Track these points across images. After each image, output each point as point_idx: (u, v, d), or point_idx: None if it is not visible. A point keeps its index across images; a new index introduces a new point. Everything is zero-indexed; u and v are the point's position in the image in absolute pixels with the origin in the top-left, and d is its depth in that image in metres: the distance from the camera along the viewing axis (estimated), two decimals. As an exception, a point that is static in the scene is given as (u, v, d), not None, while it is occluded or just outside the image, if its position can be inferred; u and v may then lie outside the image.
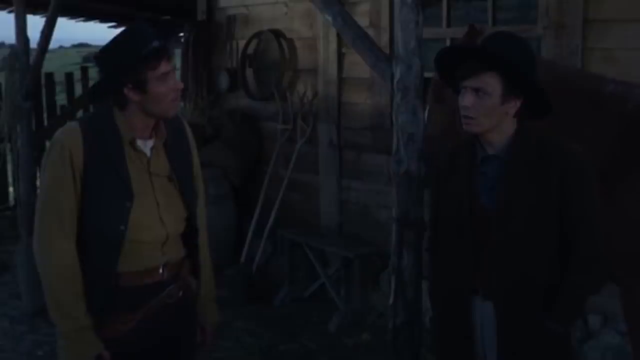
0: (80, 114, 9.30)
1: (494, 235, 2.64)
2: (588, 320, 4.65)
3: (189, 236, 2.94)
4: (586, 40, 4.76)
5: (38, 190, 2.71)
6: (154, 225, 2.75)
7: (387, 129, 5.60)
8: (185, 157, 2.95)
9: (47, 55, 7.24)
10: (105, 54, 2.70)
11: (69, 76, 9.60)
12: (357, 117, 6.54)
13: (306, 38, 7.00)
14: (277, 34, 7.21)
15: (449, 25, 5.78)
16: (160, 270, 2.80)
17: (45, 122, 8.98)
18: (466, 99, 2.62)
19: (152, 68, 2.63)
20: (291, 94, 7.03)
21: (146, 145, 2.78)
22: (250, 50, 7.57)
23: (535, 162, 2.62)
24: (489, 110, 2.60)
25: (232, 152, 7.19)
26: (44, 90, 9.13)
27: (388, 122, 5.82)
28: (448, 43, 5.63)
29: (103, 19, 9.45)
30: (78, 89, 9.50)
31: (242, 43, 7.65)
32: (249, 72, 7.64)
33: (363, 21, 5.63)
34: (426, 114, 3.68)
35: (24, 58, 6.77)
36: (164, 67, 2.65)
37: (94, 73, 10.20)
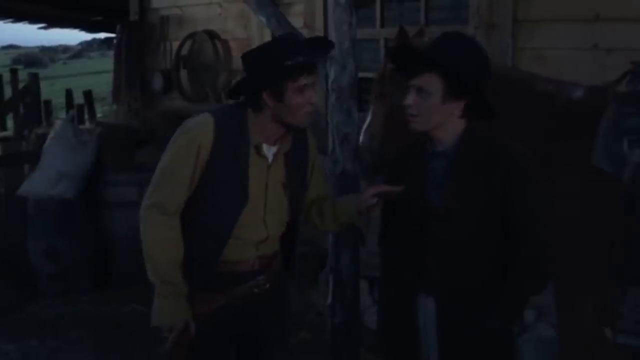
0: (9, 116, 9.10)
1: (438, 231, 2.67)
2: (523, 314, 4.73)
3: (287, 235, 3.05)
4: (516, 40, 4.84)
5: (158, 166, 2.84)
6: (257, 226, 2.88)
7: (323, 129, 5.60)
8: (303, 168, 3.01)
9: (-25, 58, 7.06)
10: (253, 58, 2.79)
11: (-2, 78, 9.36)
12: (293, 118, 6.52)
13: (241, 39, 6.98)
14: (212, 34, 7.17)
15: (382, 25, 5.82)
16: (251, 262, 2.93)
17: (-26, 125, 8.75)
18: (409, 98, 2.67)
19: (292, 80, 2.70)
20: (226, 95, 6.98)
21: (270, 151, 2.87)
22: (184, 51, 7.51)
23: (480, 161, 2.64)
24: (430, 110, 2.63)
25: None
26: (-28, 93, 8.89)
27: (323, 122, 5.81)
28: (382, 43, 5.67)
29: (33, 20, 9.25)
30: (8, 92, 9.27)
31: (175, 44, 7.59)
32: (184, 74, 7.57)
33: (297, 22, 5.63)
34: (370, 111, 3.70)
35: (-50, 60, 6.59)
36: (304, 80, 2.71)
37: (23, 75, 10.02)
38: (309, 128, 3.04)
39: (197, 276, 2.83)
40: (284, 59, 2.68)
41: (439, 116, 2.65)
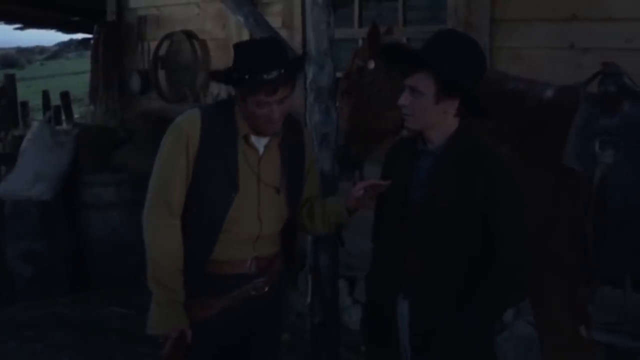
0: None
1: (417, 230, 2.63)
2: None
3: (286, 234, 3.00)
4: (494, 40, 4.86)
5: (153, 169, 2.85)
6: (250, 221, 2.83)
7: (302, 129, 5.61)
8: (298, 161, 2.97)
9: (-50, 58, 7.01)
10: (235, 52, 2.78)
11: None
12: (272, 118, 6.51)
13: (219, 39, 6.96)
14: (190, 34, 7.15)
15: (360, 25, 5.82)
16: (248, 264, 2.87)
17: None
18: (403, 97, 2.63)
19: (251, 93, 2.68)
20: (204, 96, 6.97)
21: (260, 142, 2.84)
22: (162, 52, 7.48)
23: (464, 161, 2.61)
24: (423, 109, 2.60)
25: (145, 155, 7.07)
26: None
27: (302, 123, 5.82)
28: (360, 43, 5.67)
29: (8, 21, 9.18)
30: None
31: (153, 44, 7.55)
32: (161, 74, 7.54)
33: (275, 22, 5.63)
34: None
35: None
36: (262, 97, 2.67)
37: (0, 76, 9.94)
38: (304, 127, 3.05)
39: (192, 277, 2.80)
40: (250, 70, 2.65)
41: (433, 116, 2.63)
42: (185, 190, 2.77)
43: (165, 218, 2.76)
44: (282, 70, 2.67)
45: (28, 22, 9.31)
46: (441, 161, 2.66)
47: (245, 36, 6.47)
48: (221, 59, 6.91)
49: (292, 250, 3.08)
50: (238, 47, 2.80)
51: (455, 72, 2.57)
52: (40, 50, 37.47)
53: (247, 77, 2.65)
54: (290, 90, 2.75)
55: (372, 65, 3.43)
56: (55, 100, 9.33)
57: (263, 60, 2.68)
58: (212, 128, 2.77)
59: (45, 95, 9.38)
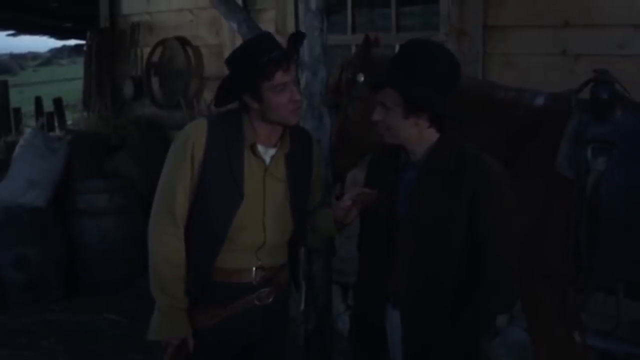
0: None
1: (403, 243, 2.63)
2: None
3: (291, 245, 2.99)
4: (486, 46, 4.88)
5: (161, 174, 2.86)
6: (254, 229, 2.82)
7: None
8: (306, 172, 2.96)
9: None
10: (230, 61, 2.81)
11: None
12: (265, 124, 6.51)
13: (212, 45, 6.96)
14: (183, 41, 7.14)
15: (354, 31, 5.83)
16: (253, 274, 2.86)
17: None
18: (376, 113, 2.65)
19: (266, 79, 2.68)
20: (198, 102, 6.97)
21: (267, 153, 2.85)
22: (155, 58, 7.47)
23: (450, 171, 2.59)
24: (394, 124, 2.61)
25: (138, 162, 7.07)
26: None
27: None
28: (353, 50, 5.67)
29: (1, 28, 9.16)
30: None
31: (146, 51, 7.54)
32: (155, 80, 7.54)
33: (269, 28, 5.63)
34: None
35: None
36: (279, 79, 2.69)
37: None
38: (314, 139, 3.06)
39: (196, 285, 2.79)
40: (252, 59, 2.68)
41: (405, 129, 2.62)
42: (189, 197, 2.78)
43: (168, 225, 2.77)
44: (281, 51, 2.73)
45: (21, 29, 9.29)
46: (425, 174, 2.65)
47: (239, 42, 6.46)
48: (214, 65, 6.90)
49: (296, 261, 3.09)
50: (233, 56, 2.82)
51: (417, 91, 2.55)
52: (33, 56, 37.39)
53: (256, 69, 2.66)
54: (295, 73, 2.79)
55: (361, 78, 3.44)
56: (48, 107, 9.30)
57: (263, 45, 2.74)
58: (218, 136, 2.77)
59: (38, 101, 9.34)
